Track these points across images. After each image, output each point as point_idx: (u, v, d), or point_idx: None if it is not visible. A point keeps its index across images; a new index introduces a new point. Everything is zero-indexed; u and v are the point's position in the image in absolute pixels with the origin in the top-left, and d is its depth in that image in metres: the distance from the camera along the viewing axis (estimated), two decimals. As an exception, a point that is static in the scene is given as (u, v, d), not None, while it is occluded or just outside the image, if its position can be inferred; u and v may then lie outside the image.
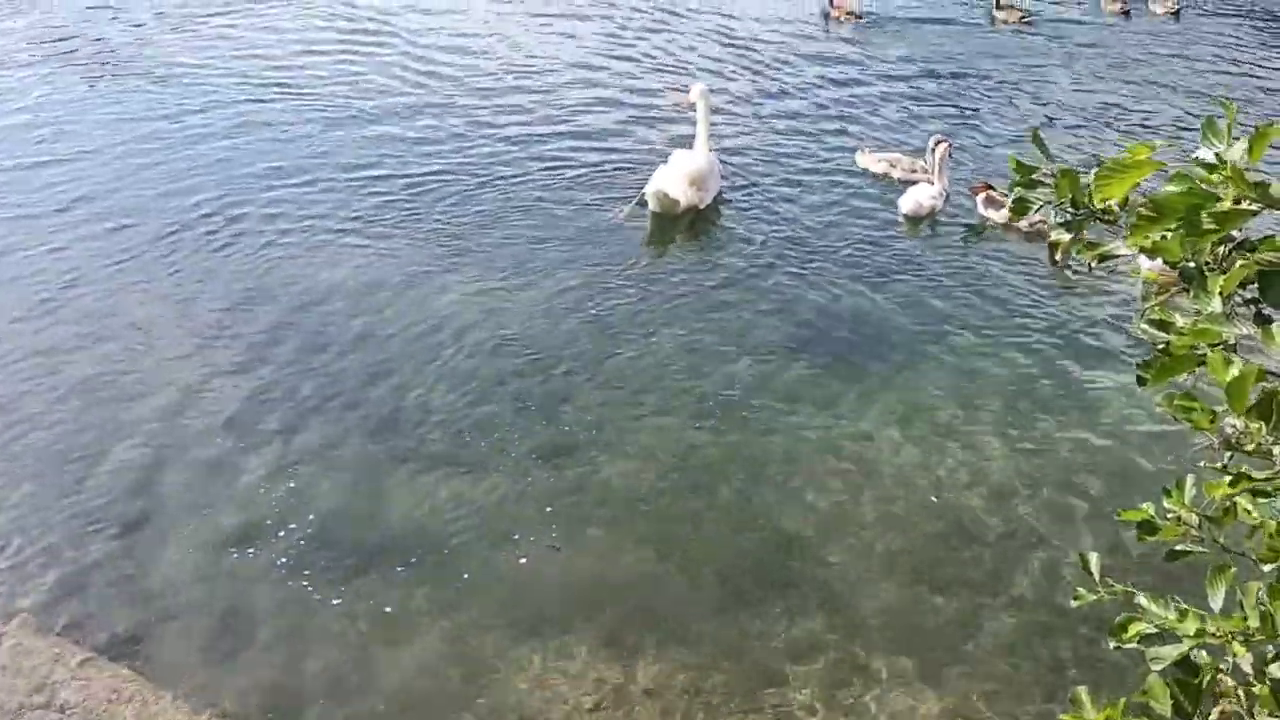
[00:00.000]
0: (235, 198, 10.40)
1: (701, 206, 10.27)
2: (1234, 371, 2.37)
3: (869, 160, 11.30)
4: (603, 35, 15.49)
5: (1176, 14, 18.49)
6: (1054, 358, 8.10)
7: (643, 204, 10.10)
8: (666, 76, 13.90)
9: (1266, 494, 2.51)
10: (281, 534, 6.16)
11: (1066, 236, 2.96)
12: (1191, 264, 2.62)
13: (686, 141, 10.72)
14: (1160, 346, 2.60)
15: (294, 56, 14.92)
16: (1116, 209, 2.93)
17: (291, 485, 6.55)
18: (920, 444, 7.08)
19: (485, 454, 6.90)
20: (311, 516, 6.29)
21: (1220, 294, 2.51)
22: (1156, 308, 2.61)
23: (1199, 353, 2.46)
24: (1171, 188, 2.59)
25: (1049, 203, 3.01)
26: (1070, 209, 2.96)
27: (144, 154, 11.24)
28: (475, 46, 15.14)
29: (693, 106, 10.62)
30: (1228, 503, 2.68)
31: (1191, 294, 2.60)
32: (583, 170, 11.17)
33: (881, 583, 5.98)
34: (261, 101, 12.79)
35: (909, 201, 10.36)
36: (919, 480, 6.76)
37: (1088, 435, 7.21)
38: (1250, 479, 2.47)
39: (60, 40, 14.67)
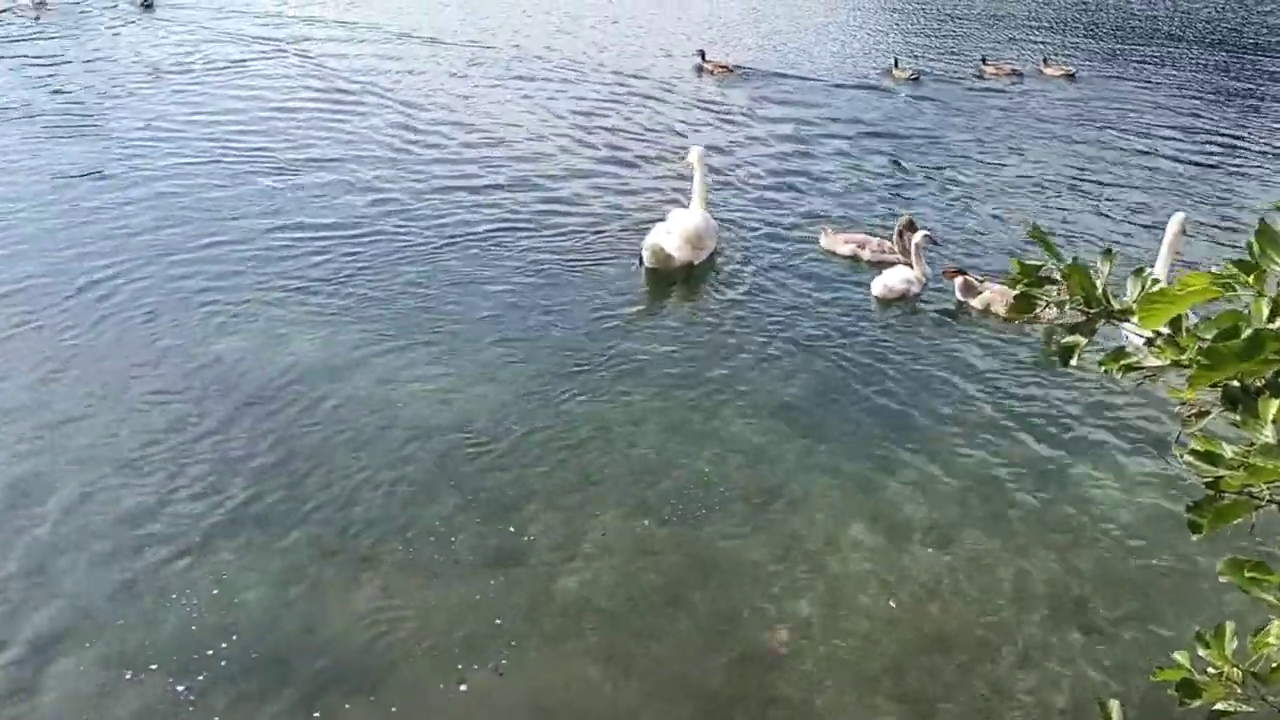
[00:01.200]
0: (175, 266, 10.17)
1: (696, 263, 10.49)
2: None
3: (834, 242, 10.97)
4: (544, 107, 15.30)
5: (1071, 76, 19.76)
6: (1037, 450, 7.67)
7: (640, 261, 10.36)
8: (647, 142, 13.92)
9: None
10: (194, 653, 5.53)
11: (1081, 341, 2.53)
12: (1236, 383, 2.19)
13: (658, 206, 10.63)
14: (1207, 481, 2.15)
15: (257, 120, 15.04)
16: (1135, 307, 2.50)
17: (211, 594, 5.95)
18: (897, 547, 6.58)
19: (431, 560, 6.33)
20: (231, 632, 5.68)
21: (1274, 422, 2.07)
22: (1200, 438, 2.15)
23: (1258, 495, 2.01)
24: (1223, 328, 2.17)
25: (1059, 301, 2.59)
26: (1083, 308, 2.54)
27: (80, 217, 11.14)
28: (432, 117, 15.02)
29: (690, 168, 10.97)
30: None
31: (1240, 420, 2.15)
32: (546, 240, 10.96)
33: (865, 704, 5.42)
34: (219, 163, 12.66)
35: (879, 285, 10.07)
36: (898, 588, 6.25)
37: (1075, 535, 6.75)
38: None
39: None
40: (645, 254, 10.28)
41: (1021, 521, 6.86)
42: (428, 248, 10.95)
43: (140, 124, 14.94)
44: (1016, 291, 2.62)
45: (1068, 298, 2.53)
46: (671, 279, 10.37)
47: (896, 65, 20.09)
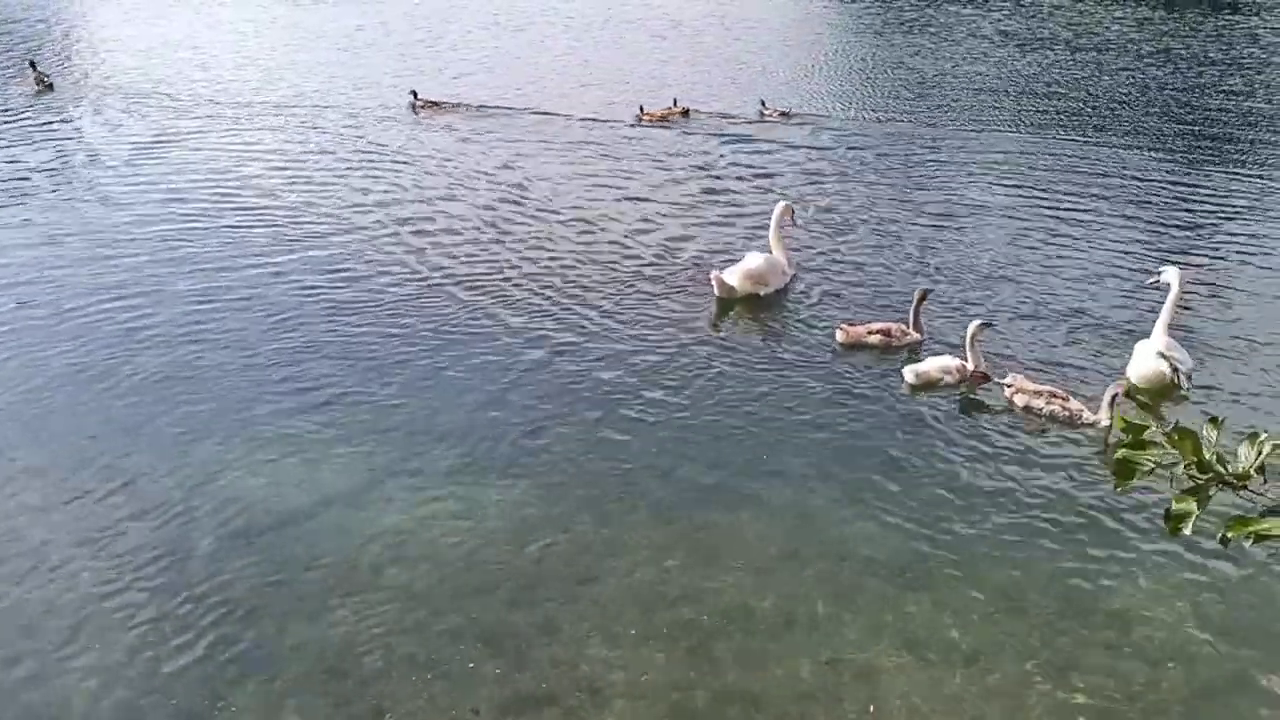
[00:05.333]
0: (145, 366, 10.09)
1: (761, 294, 12.29)
2: None
3: (858, 333, 10.84)
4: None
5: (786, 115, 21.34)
6: (1071, 559, 7.37)
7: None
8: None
9: None
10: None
11: (1194, 508, 2.33)
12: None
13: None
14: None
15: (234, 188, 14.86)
16: (1254, 474, 2.31)
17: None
18: (934, 674, 6.30)
19: (449, 708, 6.02)
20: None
21: None
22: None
23: None
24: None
25: (1164, 466, 2.40)
26: (1196, 473, 2.35)
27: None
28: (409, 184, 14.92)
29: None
30: None
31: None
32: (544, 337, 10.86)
33: None
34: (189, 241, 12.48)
35: (911, 372, 10.06)
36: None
37: (1115, 652, 6.48)
38: None
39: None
40: (714, 284, 12.08)
41: (1058, 639, 6.60)
42: (436, 347, 10.73)
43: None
44: (1118, 455, 2.43)
45: (1176, 462, 2.34)
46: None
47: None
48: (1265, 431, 2.31)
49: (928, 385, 10.01)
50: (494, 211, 15.80)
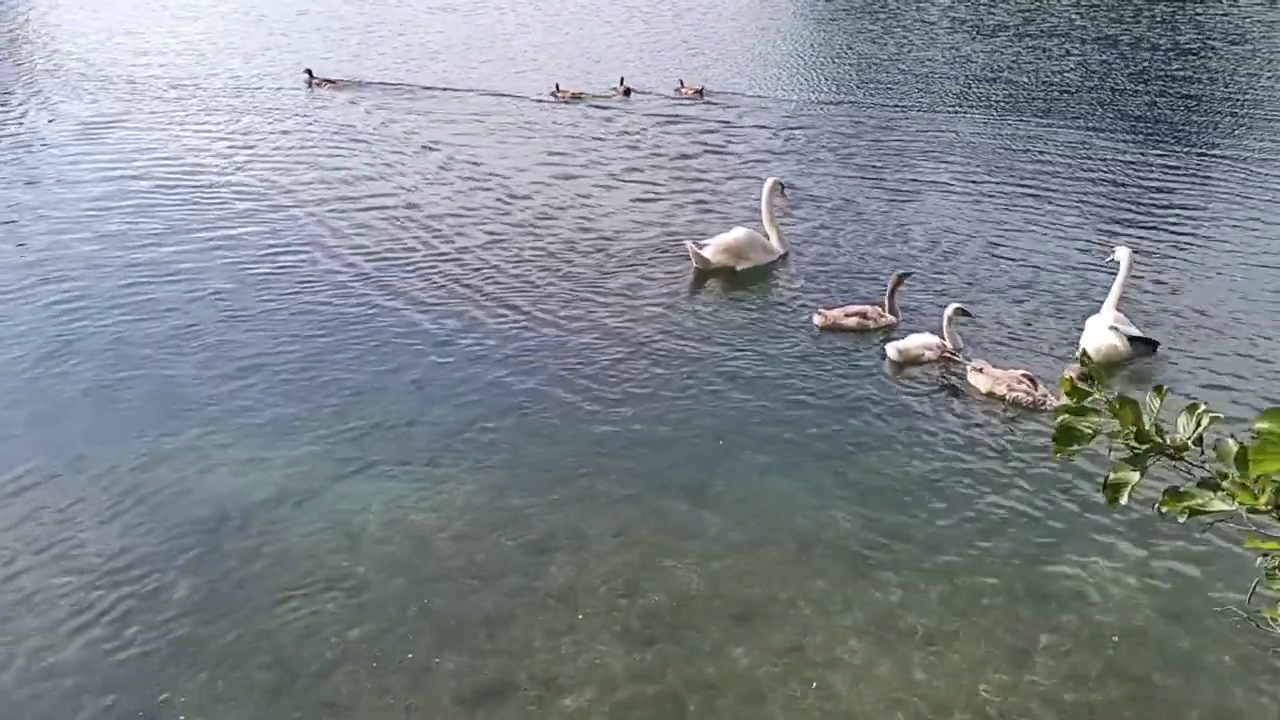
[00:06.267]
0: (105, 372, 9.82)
1: (738, 269, 12.37)
2: None
3: (835, 316, 10.88)
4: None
5: (700, 93, 22.52)
6: (1034, 543, 7.39)
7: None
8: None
9: None
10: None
11: (1134, 476, 2.34)
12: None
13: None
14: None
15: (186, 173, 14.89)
16: (1192, 445, 2.32)
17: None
18: (897, 659, 6.28)
19: (406, 699, 5.96)
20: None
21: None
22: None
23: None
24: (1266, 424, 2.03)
25: (1106, 434, 2.41)
26: (1134, 443, 2.36)
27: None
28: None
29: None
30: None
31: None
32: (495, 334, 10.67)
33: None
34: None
35: (894, 349, 10.20)
36: (902, 705, 5.95)
37: (1076, 637, 6.49)
38: None
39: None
40: (690, 255, 12.30)
41: (1015, 621, 6.62)
42: (401, 340, 10.56)
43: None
44: (1058, 423, 2.44)
45: (1117, 431, 2.35)
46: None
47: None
48: (1205, 403, 2.32)
49: (910, 362, 10.13)
50: (444, 193, 15.96)
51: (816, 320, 10.92)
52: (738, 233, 12.57)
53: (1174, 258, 13.11)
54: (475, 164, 17.54)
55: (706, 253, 12.36)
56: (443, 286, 12.11)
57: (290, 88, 23.21)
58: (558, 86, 22.73)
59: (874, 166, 17.36)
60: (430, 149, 18.45)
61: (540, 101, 22.29)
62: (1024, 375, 9.43)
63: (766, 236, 12.97)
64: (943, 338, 10.29)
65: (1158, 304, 11.65)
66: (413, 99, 22.54)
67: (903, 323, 11.02)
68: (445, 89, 23.52)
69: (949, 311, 10.35)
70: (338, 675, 6.16)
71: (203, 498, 7.91)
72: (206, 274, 12.37)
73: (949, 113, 21.42)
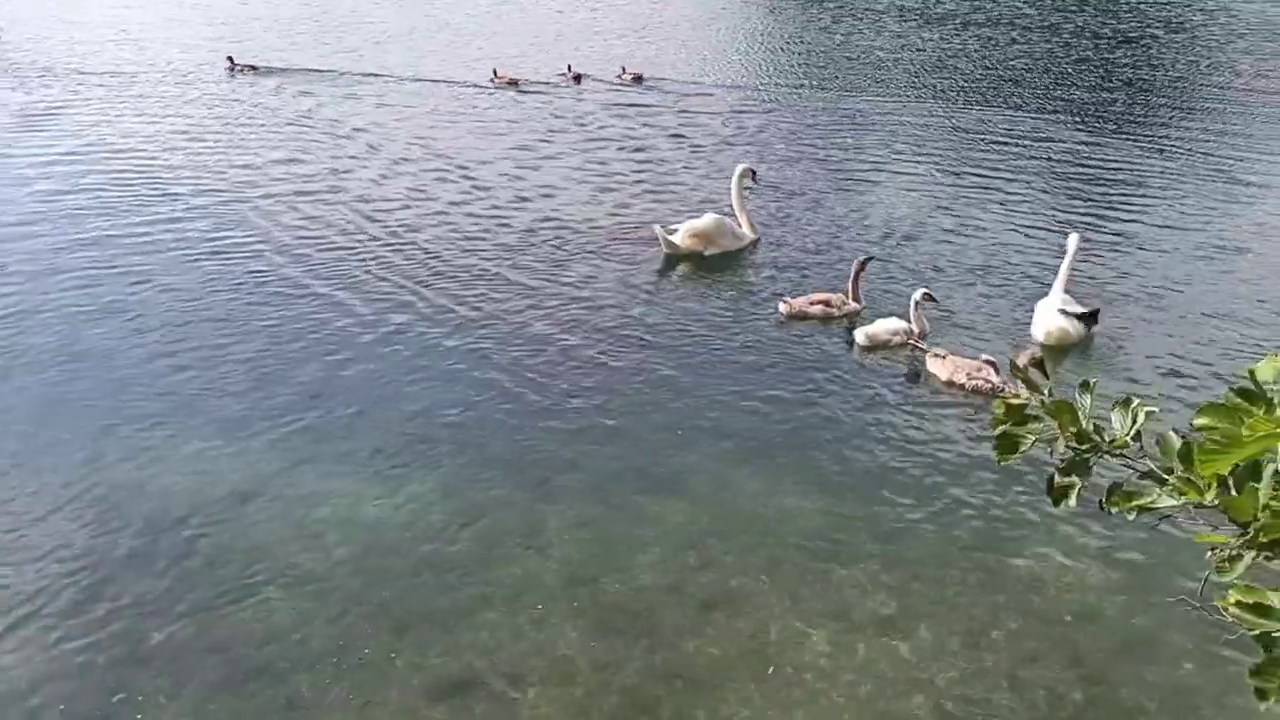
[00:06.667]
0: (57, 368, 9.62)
1: (706, 254, 12.49)
2: None
3: (800, 304, 10.99)
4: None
5: (638, 79, 22.76)
6: (985, 526, 7.53)
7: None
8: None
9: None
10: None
11: (1077, 481, 2.44)
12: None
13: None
14: (1258, 635, 2.06)
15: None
16: (1131, 441, 2.43)
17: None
18: (856, 643, 6.39)
19: (370, 694, 5.97)
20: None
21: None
22: (1241, 586, 2.07)
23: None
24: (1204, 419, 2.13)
25: (1046, 440, 2.51)
26: (1074, 444, 2.46)
27: None
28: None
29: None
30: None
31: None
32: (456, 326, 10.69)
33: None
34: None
35: (862, 334, 10.40)
36: (860, 686, 6.06)
37: (1028, 616, 6.64)
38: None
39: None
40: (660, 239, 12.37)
41: (972, 605, 6.74)
42: (353, 335, 10.38)
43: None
44: (998, 432, 2.54)
45: (1056, 435, 2.45)
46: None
47: (495, 74, 23.18)
48: (1138, 398, 2.42)
49: (878, 347, 10.31)
50: (390, 181, 15.95)
51: (781, 309, 11.03)
52: (707, 218, 12.67)
53: (1120, 240, 13.42)
54: (419, 151, 17.58)
55: (675, 238, 12.45)
56: (394, 276, 12.07)
57: (228, 79, 23.30)
58: (495, 72, 22.80)
59: (827, 153, 17.54)
60: (368, 135, 18.53)
61: (478, 88, 22.44)
62: (985, 361, 9.57)
63: (737, 222, 13.08)
64: (910, 323, 10.45)
65: (1106, 285, 11.91)
66: (348, 85, 22.68)
67: (866, 309, 11.15)
68: (381, 75, 23.67)
69: (916, 296, 10.53)
70: (296, 673, 6.15)
71: (153, 496, 7.84)
72: (150, 266, 12.26)
73: (898, 100, 21.63)
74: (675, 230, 12.62)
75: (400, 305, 11.24)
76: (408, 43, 28.04)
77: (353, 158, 17.14)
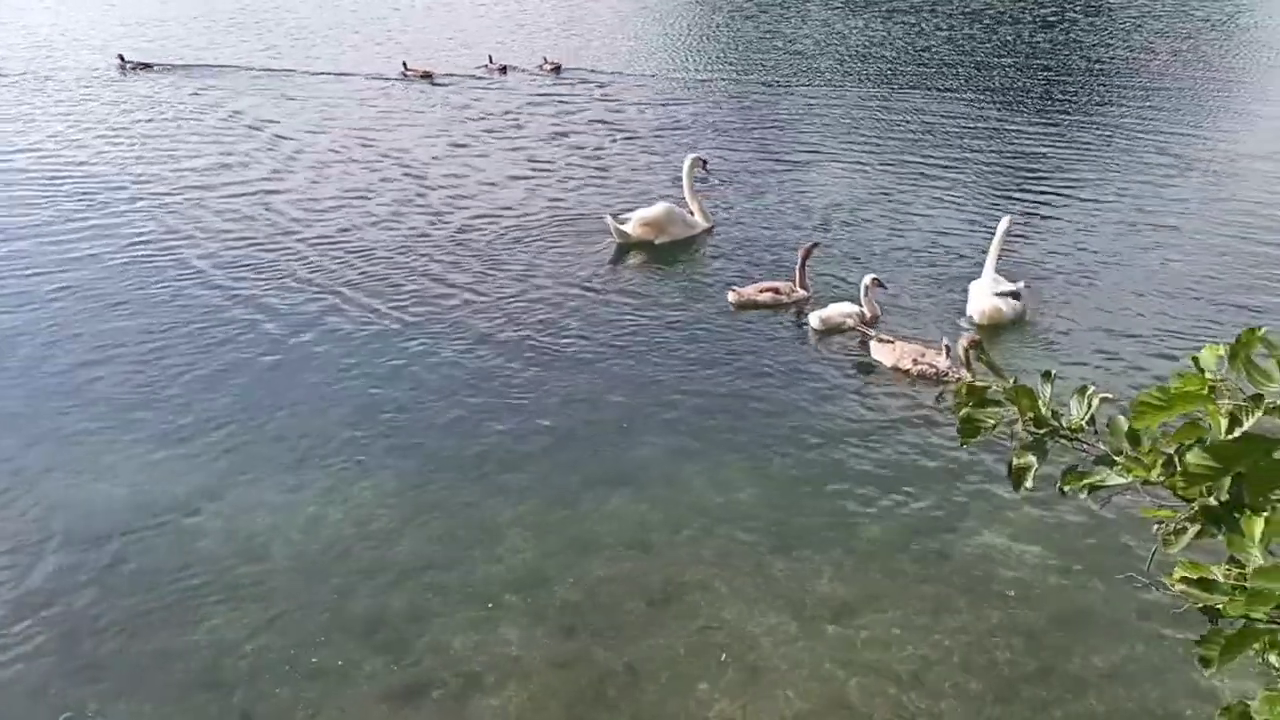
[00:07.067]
0: None
1: (656, 243, 12.56)
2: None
3: (749, 293, 11.02)
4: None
5: (557, 69, 22.96)
6: (936, 507, 7.63)
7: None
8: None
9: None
10: None
11: (1033, 462, 2.48)
12: (1214, 502, 2.16)
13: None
14: (1203, 609, 2.11)
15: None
16: (1086, 426, 2.48)
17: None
18: (809, 629, 6.44)
19: (324, 703, 5.89)
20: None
21: (1261, 540, 2.04)
22: (1187, 563, 2.11)
23: (1263, 619, 1.97)
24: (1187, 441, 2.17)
25: (1006, 424, 2.55)
26: (1032, 428, 2.50)
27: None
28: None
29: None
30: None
31: (1225, 540, 2.12)
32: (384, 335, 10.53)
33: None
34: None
35: (816, 318, 10.51)
36: (816, 672, 6.11)
37: (979, 595, 6.74)
38: None
39: None
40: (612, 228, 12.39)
41: (921, 587, 6.83)
42: (289, 341, 10.18)
43: None
44: (960, 416, 2.57)
45: (1015, 419, 2.49)
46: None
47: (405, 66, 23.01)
48: (1093, 384, 2.46)
49: (832, 330, 10.44)
50: (317, 179, 15.82)
51: (731, 298, 11.07)
52: (658, 207, 12.74)
53: (1050, 219, 13.73)
54: (345, 148, 17.39)
55: (627, 227, 12.49)
56: (327, 276, 11.90)
57: (136, 78, 22.88)
58: (405, 65, 22.62)
59: (763, 141, 17.65)
60: (280, 131, 18.30)
61: (387, 80, 22.36)
62: (926, 346, 9.68)
63: (690, 212, 13.14)
64: (861, 306, 10.57)
65: (1038, 264, 12.17)
66: (256, 80, 22.42)
67: (814, 295, 11.23)
68: (291, 70, 23.43)
69: (866, 281, 10.66)
70: (247, 683, 6.05)
71: (87, 510, 7.65)
72: (67, 275, 11.94)
73: (826, 88, 21.83)
74: (626, 220, 12.65)
75: (334, 306, 11.08)
76: (325, 37, 27.71)
77: (269, 154, 16.91)
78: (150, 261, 12.33)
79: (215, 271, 12.05)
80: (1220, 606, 2.02)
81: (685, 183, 13.27)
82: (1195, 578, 2.07)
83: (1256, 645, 1.95)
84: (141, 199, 14.65)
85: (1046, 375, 2.54)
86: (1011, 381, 2.49)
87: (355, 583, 6.90)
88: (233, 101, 20.50)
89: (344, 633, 6.44)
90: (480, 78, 22.69)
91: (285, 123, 18.81)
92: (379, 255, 12.53)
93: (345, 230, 13.41)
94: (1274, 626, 1.93)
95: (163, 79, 22.45)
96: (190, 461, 8.25)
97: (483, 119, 19.25)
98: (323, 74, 23.07)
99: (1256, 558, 2.01)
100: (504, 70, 22.89)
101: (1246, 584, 1.97)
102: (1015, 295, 10.64)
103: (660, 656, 6.24)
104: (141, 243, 12.94)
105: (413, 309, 10.98)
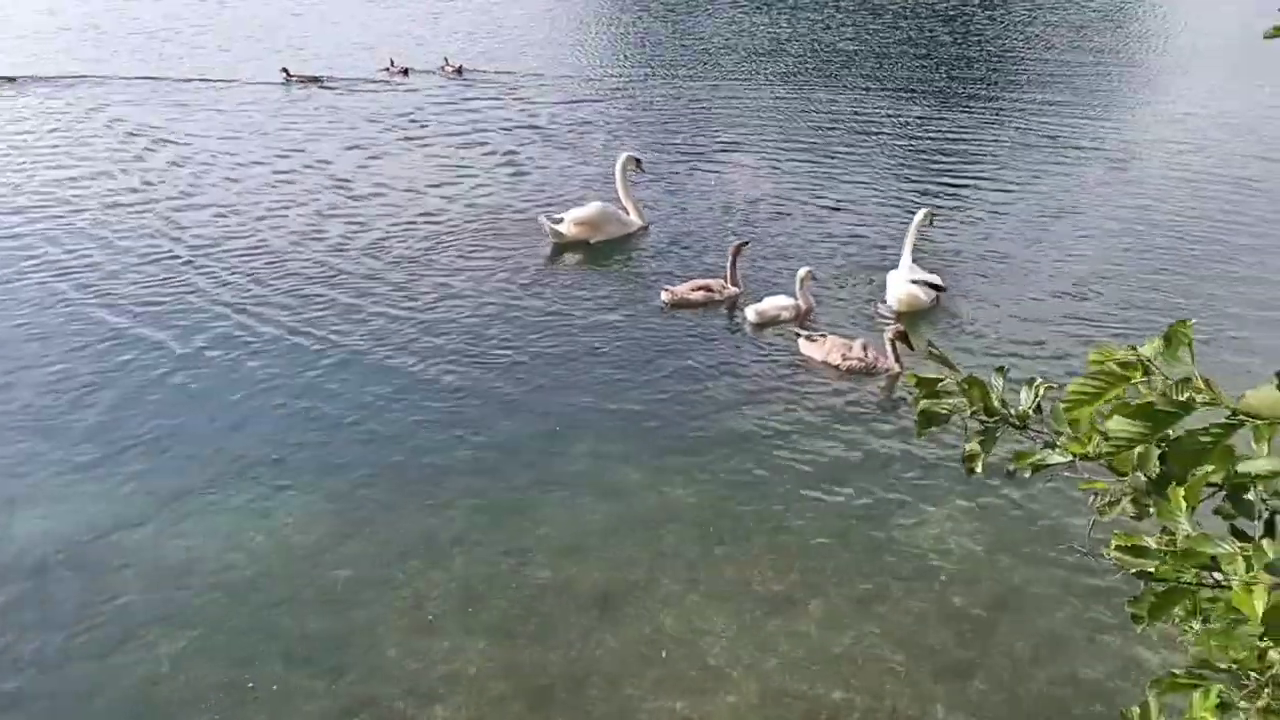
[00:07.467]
0: None
1: (591, 242, 12.73)
2: (1261, 601, 2.10)
3: (681, 291, 11.19)
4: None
5: (459, 71, 23.07)
6: (871, 500, 7.78)
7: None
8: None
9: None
10: None
11: (983, 449, 2.73)
12: (1144, 476, 2.43)
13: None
14: (1137, 573, 2.38)
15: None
16: (1033, 414, 2.73)
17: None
18: (753, 623, 6.53)
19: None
20: None
21: (1187, 507, 2.31)
22: (1121, 534, 2.38)
23: (1190, 581, 2.24)
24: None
25: (958, 412, 2.80)
26: (984, 417, 2.75)
27: None
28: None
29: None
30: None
31: (1154, 510, 2.39)
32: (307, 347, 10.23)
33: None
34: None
35: (753, 311, 10.72)
36: (760, 665, 6.20)
37: (926, 587, 6.90)
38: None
39: None
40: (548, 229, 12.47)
41: (859, 576, 6.95)
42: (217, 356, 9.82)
43: None
44: (919, 409, 2.81)
45: (967, 409, 2.74)
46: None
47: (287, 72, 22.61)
48: (1039, 376, 2.72)
49: (768, 323, 10.63)
50: (207, 187, 15.36)
51: (664, 297, 11.18)
52: (592, 206, 12.87)
53: (963, 208, 14.15)
54: (247, 156, 16.96)
55: (562, 226, 12.59)
56: (244, 291, 11.52)
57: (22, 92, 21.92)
58: (287, 71, 22.17)
59: (680, 139, 17.81)
60: (171, 141, 17.77)
61: (275, 85, 21.95)
62: (853, 341, 9.86)
63: (625, 210, 13.27)
64: (797, 299, 10.83)
65: (954, 252, 12.56)
66: (133, 90, 21.74)
67: (748, 290, 11.37)
68: (162, 78, 22.70)
69: (801, 273, 10.88)
70: (185, 713, 5.86)
71: (15, 542, 7.34)
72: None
73: (739, 85, 22.11)
74: (561, 220, 12.74)
75: (246, 323, 10.71)
76: (235, 45, 27.09)
77: (157, 168, 16.31)
78: (43, 285, 11.74)
79: (115, 292, 11.55)
80: (1152, 569, 2.29)
81: (619, 181, 13.39)
82: (1129, 545, 2.34)
83: (1182, 605, 2.22)
84: (28, 219, 13.96)
85: (1000, 370, 2.80)
86: (961, 374, 2.75)
87: (286, 604, 6.73)
88: (105, 113, 19.70)
89: (278, 655, 6.28)
90: (382, 81, 22.42)
91: (171, 134, 18.23)
92: (290, 268, 12.19)
93: (252, 243, 13.03)
94: (1198, 586, 2.20)
95: (31, 91, 21.49)
96: (101, 489, 7.92)
97: (387, 124, 19.00)
98: (211, 81, 22.39)
99: (1185, 526, 2.28)
100: (406, 72, 22.66)
101: (1175, 549, 2.24)
102: (935, 286, 11.03)
103: (602, 659, 6.24)
104: (33, 265, 12.34)
105: (330, 321, 10.71)
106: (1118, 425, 2.15)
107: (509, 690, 6.02)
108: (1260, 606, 2.05)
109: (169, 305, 11.16)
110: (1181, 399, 2.09)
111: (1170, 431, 2.15)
